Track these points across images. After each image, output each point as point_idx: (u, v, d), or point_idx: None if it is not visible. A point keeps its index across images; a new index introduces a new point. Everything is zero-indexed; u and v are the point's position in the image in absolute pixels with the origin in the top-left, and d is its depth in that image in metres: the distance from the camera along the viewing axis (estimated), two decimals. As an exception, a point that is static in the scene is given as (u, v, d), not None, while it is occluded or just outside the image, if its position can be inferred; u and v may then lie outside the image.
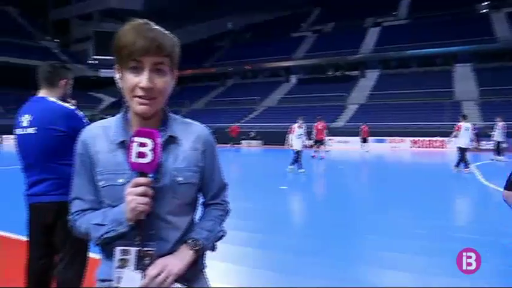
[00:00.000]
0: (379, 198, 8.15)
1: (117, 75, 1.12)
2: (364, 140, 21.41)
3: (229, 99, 38.33)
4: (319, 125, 16.86)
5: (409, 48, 34.97)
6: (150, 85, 1.05)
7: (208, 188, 1.27)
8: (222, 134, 24.29)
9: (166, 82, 1.10)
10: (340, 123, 29.37)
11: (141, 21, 1.08)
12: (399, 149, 24.41)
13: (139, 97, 1.07)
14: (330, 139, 22.28)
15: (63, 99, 2.50)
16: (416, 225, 5.50)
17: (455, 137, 11.77)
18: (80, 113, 2.43)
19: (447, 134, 14.08)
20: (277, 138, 27.49)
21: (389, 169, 15.27)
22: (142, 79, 1.05)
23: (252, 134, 29.79)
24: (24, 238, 2.56)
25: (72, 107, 2.44)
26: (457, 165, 11.51)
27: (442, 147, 22.86)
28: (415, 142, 24.74)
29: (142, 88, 1.05)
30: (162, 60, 1.07)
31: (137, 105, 1.08)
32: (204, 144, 1.22)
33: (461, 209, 7.49)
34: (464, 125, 11.52)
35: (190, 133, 1.21)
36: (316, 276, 3.68)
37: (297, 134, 11.49)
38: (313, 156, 16.70)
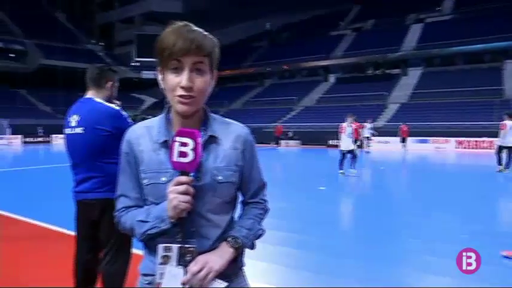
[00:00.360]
0: (421, 200, 7.87)
1: (159, 77, 1.15)
2: (403, 140, 20.99)
3: (267, 99, 38.34)
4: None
5: (454, 45, 33.44)
6: (190, 84, 1.08)
7: (247, 187, 1.28)
8: (259, 134, 24.35)
9: (206, 82, 1.12)
10: (380, 123, 28.62)
11: (181, 23, 1.11)
12: (443, 150, 23.47)
13: (180, 96, 1.09)
14: (371, 139, 21.88)
15: (109, 100, 2.60)
16: (461, 230, 5.27)
17: (501, 137, 11.22)
18: (124, 113, 2.51)
19: (496, 134, 13.38)
20: (315, 138, 27.32)
21: (432, 170, 14.70)
22: (183, 79, 1.08)
23: (290, 134, 29.66)
24: (73, 233, 2.69)
25: (118, 108, 2.53)
26: (507, 166, 10.98)
27: (490, 148, 21.75)
28: (460, 143, 23.66)
29: (182, 87, 1.08)
30: (201, 59, 1.10)
31: (178, 104, 1.11)
32: (243, 144, 1.23)
33: (511, 213, 7.11)
34: (509, 123, 11.00)
35: (230, 133, 1.23)
36: (353, 277, 3.62)
37: (347, 133, 11.03)
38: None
